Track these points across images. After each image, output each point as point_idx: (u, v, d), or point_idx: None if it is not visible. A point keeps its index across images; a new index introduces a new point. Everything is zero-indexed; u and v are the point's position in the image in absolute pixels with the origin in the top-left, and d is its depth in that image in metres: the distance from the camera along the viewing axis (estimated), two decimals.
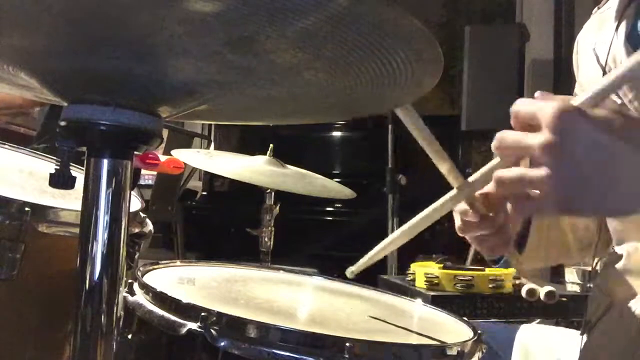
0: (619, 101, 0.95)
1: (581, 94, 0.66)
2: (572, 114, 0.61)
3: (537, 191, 0.64)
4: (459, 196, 0.82)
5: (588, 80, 1.05)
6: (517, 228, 1.03)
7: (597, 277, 1.09)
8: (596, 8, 1.08)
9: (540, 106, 0.63)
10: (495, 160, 0.75)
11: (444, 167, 0.83)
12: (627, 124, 0.63)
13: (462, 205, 0.86)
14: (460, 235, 0.90)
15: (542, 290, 1.85)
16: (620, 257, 0.98)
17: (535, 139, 0.62)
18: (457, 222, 0.90)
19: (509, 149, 0.67)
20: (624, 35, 0.96)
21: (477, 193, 0.83)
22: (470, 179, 0.80)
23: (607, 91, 0.66)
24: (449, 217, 0.89)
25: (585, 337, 1.01)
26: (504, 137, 0.67)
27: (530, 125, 0.64)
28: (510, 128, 0.67)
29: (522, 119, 0.65)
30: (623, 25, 0.96)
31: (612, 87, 0.66)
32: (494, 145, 0.68)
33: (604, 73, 0.97)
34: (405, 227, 0.87)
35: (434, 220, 0.84)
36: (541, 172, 0.62)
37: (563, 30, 3.39)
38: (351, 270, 0.92)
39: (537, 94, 0.68)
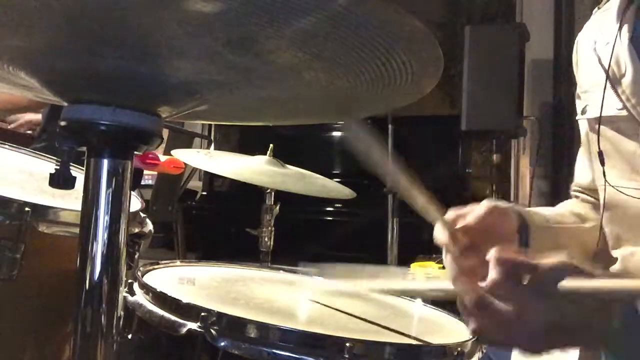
0: (620, 105, 0.94)
1: (572, 282, 0.66)
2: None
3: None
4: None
5: (589, 82, 1.04)
6: None
7: None
8: (596, 8, 1.07)
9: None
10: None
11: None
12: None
13: (444, 238, 0.85)
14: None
15: None
16: (615, 260, 0.98)
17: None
18: (443, 254, 0.88)
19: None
20: (627, 37, 0.95)
21: (458, 226, 0.84)
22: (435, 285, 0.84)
23: (594, 295, 0.67)
24: None
25: None
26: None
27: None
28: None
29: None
30: (625, 27, 0.96)
31: (599, 295, 0.67)
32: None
33: (607, 75, 0.96)
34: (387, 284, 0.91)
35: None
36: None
37: (563, 30, 3.39)
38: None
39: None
